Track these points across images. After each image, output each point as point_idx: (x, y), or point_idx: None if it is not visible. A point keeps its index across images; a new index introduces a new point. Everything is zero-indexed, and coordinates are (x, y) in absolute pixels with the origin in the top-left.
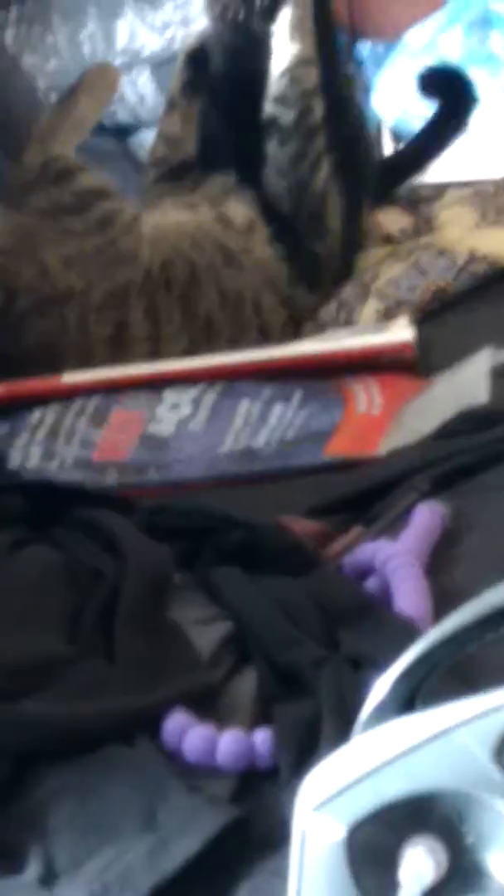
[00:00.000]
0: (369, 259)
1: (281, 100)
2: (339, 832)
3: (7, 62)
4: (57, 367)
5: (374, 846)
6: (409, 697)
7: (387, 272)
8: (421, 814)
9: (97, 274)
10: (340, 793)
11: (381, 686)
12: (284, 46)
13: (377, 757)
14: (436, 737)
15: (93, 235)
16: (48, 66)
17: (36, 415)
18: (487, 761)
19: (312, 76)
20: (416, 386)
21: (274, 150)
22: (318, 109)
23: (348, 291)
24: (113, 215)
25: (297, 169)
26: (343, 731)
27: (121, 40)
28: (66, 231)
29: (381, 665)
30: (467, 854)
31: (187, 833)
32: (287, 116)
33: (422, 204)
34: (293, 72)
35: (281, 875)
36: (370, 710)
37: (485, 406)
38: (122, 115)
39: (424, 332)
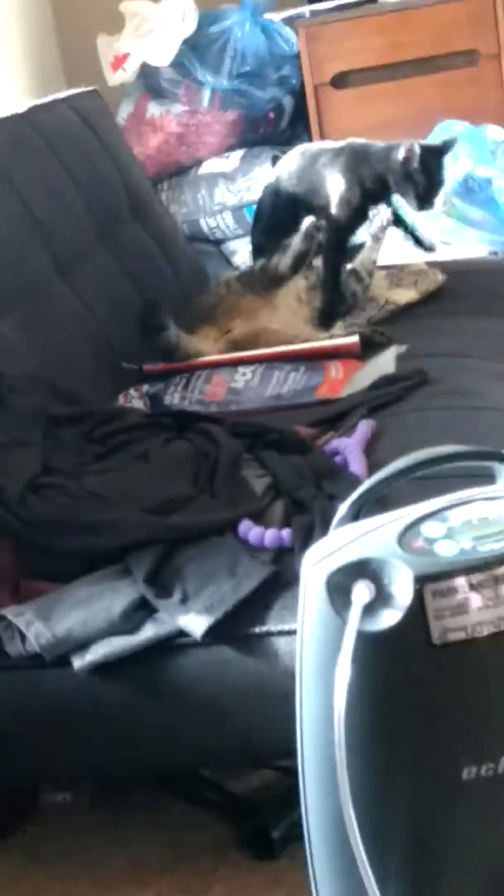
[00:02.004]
0: None
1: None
2: (322, 578)
3: (163, 207)
4: None
5: (339, 584)
6: (356, 514)
7: None
8: (362, 568)
9: None
10: (324, 558)
11: (343, 509)
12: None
13: (341, 540)
14: (369, 531)
15: None
16: (182, 211)
17: (177, 378)
18: (394, 544)
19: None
20: (359, 364)
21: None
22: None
23: None
24: None
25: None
26: (326, 530)
27: (217, 198)
28: None
29: (343, 498)
30: (383, 589)
31: (251, 578)
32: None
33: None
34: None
35: (295, 599)
36: (337, 519)
37: (392, 374)
38: (217, 234)
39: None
